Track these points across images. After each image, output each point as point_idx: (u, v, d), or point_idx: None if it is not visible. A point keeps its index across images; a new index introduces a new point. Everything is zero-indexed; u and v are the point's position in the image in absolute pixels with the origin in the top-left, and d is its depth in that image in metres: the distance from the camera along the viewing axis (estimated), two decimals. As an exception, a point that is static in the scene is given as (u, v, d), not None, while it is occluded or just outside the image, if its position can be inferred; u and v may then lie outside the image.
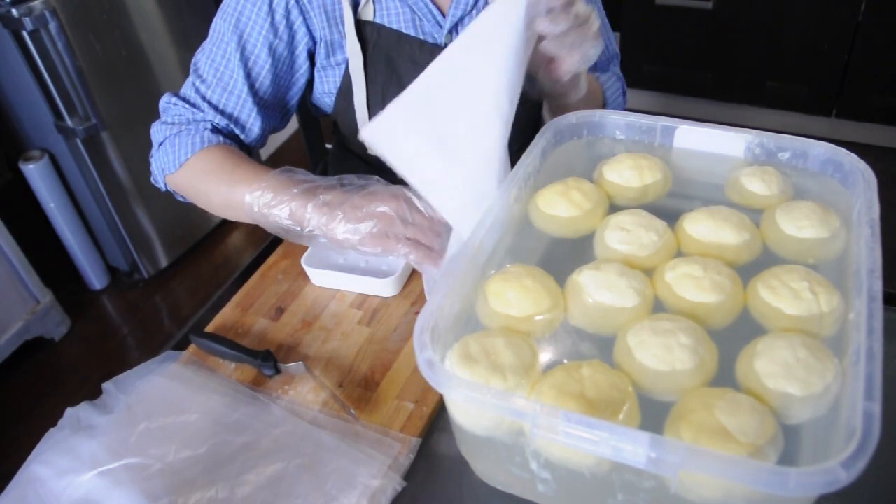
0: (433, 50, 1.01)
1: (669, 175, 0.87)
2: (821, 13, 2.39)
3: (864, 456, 0.48)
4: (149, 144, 1.03)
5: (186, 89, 1.02)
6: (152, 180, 1.04)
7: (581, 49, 0.79)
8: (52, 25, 1.82)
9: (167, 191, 1.05)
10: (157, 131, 1.01)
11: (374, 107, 1.04)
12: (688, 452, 0.51)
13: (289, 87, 1.05)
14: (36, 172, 2.05)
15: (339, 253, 1.02)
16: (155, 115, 1.05)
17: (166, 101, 1.02)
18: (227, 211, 0.96)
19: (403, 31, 1.01)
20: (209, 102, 1.00)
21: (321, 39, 1.01)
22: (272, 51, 0.99)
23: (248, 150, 1.06)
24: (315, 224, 0.84)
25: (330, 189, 0.86)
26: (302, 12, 0.98)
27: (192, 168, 0.97)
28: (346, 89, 1.04)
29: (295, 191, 0.86)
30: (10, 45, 1.85)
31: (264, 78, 1.00)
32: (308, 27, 1.00)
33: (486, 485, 0.72)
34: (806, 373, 0.59)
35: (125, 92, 2.07)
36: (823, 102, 2.60)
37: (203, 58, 1.00)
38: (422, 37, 1.01)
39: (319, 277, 0.98)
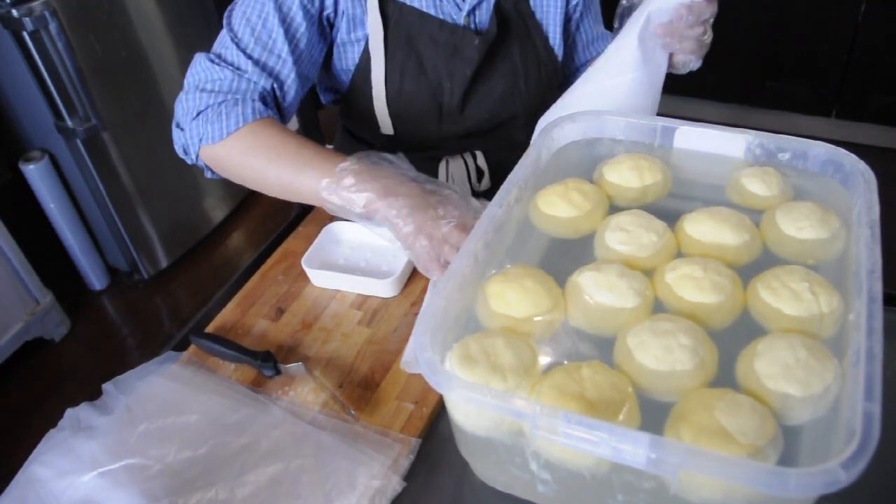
0: (453, 30, 1.03)
1: (669, 176, 0.87)
2: (820, 14, 2.39)
3: (864, 457, 0.48)
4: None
5: (222, 47, 0.96)
6: (179, 151, 0.97)
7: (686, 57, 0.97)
8: (52, 26, 1.82)
9: (195, 164, 0.98)
10: (191, 99, 0.93)
11: (392, 84, 1.05)
12: (688, 453, 0.51)
13: (320, 53, 1.03)
14: (36, 173, 2.05)
15: (340, 253, 1.02)
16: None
17: (205, 64, 0.94)
18: (284, 192, 0.92)
19: (425, 10, 1.02)
20: (251, 59, 0.94)
21: (343, 13, 1.01)
22: (307, 13, 0.97)
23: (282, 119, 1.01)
24: (385, 218, 0.84)
25: (408, 187, 0.86)
26: None
27: (243, 141, 0.91)
28: (364, 66, 1.05)
29: (375, 183, 0.85)
30: (11, 46, 1.85)
31: (299, 40, 0.97)
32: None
33: (486, 485, 0.72)
34: (806, 373, 0.59)
35: (125, 92, 2.07)
36: (823, 103, 2.60)
37: (237, 16, 0.96)
38: (441, 17, 1.03)
39: (319, 278, 0.98)
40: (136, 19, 2.06)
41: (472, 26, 1.05)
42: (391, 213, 0.83)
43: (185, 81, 0.96)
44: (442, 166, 1.17)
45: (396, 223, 0.83)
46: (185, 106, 0.94)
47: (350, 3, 1.00)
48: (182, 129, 0.95)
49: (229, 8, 0.98)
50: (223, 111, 0.91)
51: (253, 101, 0.93)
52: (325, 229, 1.02)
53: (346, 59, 1.06)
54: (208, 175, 1.00)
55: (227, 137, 0.91)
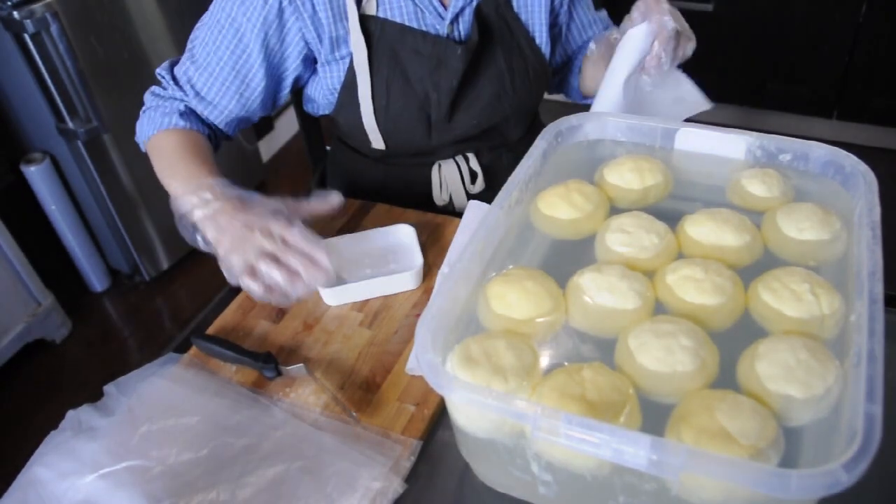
0: (435, 41, 1.03)
1: (670, 177, 0.87)
2: (821, 15, 2.39)
3: (866, 458, 0.48)
4: None
5: (179, 67, 1.05)
6: (136, 139, 1.07)
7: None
8: (54, 28, 1.82)
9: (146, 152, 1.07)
10: (147, 96, 1.06)
11: (379, 100, 1.05)
12: (689, 455, 0.51)
13: (279, 81, 1.07)
14: (37, 175, 2.05)
15: (341, 268, 1.00)
16: None
17: (160, 72, 1.06)
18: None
19: (406, 23, 1.02)
20: (192, 87, 1.03)
21: (326, 35, 1.01)
22: (265, 45, 1.00)
23: (215, 133, 1.08)
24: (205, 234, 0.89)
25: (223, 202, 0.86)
26: (297, 10, 0.99)
27: (152, 147, 1.02)
28: (350, 84, 1.05)
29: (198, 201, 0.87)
30: (12, 48, 1.85)
31: (256, 71, 1.02)
32: (302, 27, 1.00)
33: (487, 487, 0.72)
34: (807, 375, 0.59)
35: (126, 94, 2.07)
36: (824, 104, 2.60)
37: (199, 39, 1.03)
38: (424, 28, 1.03)
39: (338, 296, 0.95)
40: (138, 21, 2.06)
41: (456, 35, 1.05)
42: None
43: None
44: (435, 171, 1.18)
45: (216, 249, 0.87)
46: (144, 99, 1.07)
47: (333, 24, 1.00)
48: (137, 121, 1.06)
49: (195, 29, 1.05)
50: (152, 115, 1.03)
51: (174, 112, 1.02)
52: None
53: (332, 78, 1.06)
54: None
55: (147, 139, 1.03)
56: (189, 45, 1.05)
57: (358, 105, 1.06)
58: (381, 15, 1.01)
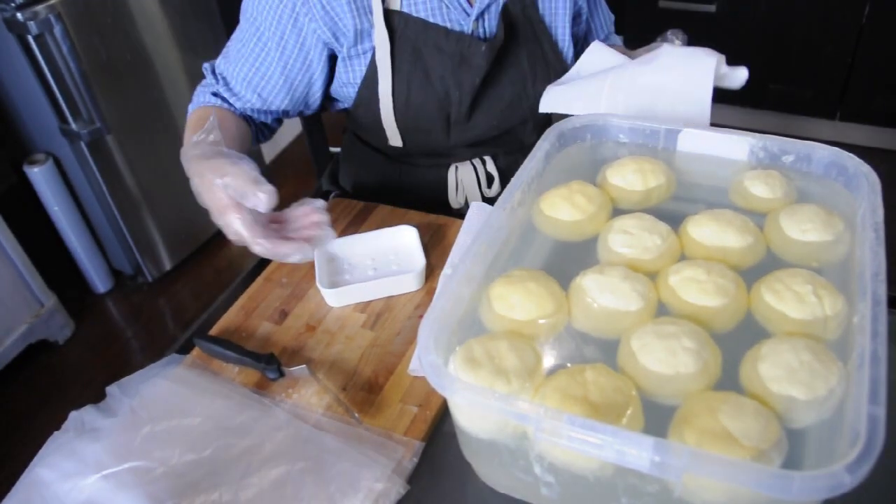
0: (459, 38, 1.03)
1: (673, 178, 0.87)
2: (824, 16, 2.39)
3: (869, 460, 0.48)
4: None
5: (216, 62, 1.09)
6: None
7: None
8: (57, 29, 1.82)
9: None
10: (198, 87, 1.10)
11: (399, 95, 1.05)
12: (691, 456, 0.51)
13: (306, 83, 1.06)
14: (40, 176, 2.06)
15: (344, 270, 1.01)
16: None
17: (204, 66, 1.10)
18: None
19: (430, 19, 1.02)
20: (222, 77, 1.06)
21: (350, 27, 1.01)
22: (281, 46, 1.01)
23: (253, 119, 1.10)
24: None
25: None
26: (310, 11, 0.98)
27: (187, 121, 1.04)
28: (370, 79, 1.05)
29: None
30: (16, 50, 1.85)
31: (273, 70, 1.03)
32: (316, 28, 1.00)
33: (489, 488, 0.72)
34: (810, 376, 0.59)
35: (129, 96, 2.07)
36: (827, 105, 2.59)
37: (235, 36, 1.06)
38: (448, 25, 1.03)
39: (341, 297, 0.95)
40: (141, 22, 2.06)
41: (480, 32, 1.05)
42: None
43: None
44: (451, 173, 1.17)
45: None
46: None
47: (357, 17, 1.00)
48: None
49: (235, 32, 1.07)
50: (197, 95, 1.08)
51: (206, 93, 1.06)
52: (316, 251, 1.00)
53: (353, 72, 1.06)
54: None
55: (189, 115, 1.06)
56: (228, 42, 1.09)
57: (378, 101, 1.06)
58: (405, 10, 1.01)
